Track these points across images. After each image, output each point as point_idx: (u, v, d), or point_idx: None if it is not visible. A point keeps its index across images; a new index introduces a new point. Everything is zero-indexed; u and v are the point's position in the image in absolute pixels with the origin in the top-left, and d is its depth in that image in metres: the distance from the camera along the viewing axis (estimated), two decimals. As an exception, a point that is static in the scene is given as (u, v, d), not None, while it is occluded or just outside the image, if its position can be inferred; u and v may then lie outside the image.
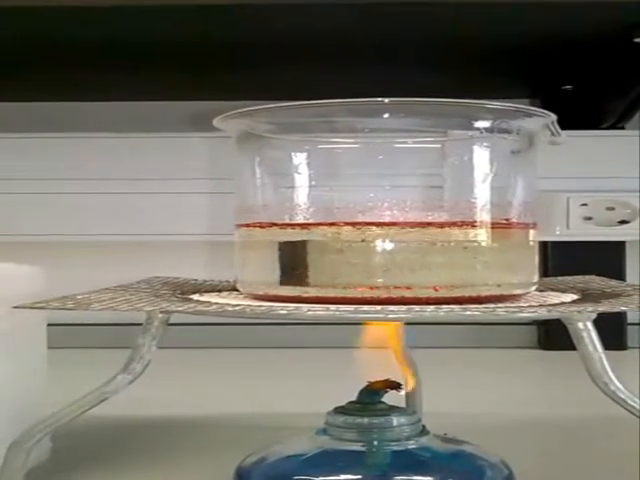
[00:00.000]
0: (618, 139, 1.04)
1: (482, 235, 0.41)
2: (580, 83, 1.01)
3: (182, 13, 0.75)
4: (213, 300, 0.43)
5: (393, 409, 0.43)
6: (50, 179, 1.04)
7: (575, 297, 0.45)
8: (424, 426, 0.43)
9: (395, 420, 0.42)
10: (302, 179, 0.43)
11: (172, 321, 0.40)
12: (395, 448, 0.42)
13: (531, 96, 1.08)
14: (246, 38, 0.83)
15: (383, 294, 0.40)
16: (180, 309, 0.39)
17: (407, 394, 0.53)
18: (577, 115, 0.97)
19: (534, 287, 0.44)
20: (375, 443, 0.42)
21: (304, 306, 0.39)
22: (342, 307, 0.38)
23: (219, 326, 1.04)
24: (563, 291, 0.48)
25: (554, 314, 0.39)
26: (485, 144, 0.42)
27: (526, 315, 0.43)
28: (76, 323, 1.04)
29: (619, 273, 1.03)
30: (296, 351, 1.02)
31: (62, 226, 1.04)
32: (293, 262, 0.42)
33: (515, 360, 1.01)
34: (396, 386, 0.43)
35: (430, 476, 0.42)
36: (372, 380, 0.43)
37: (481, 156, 0.42)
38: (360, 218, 0.41)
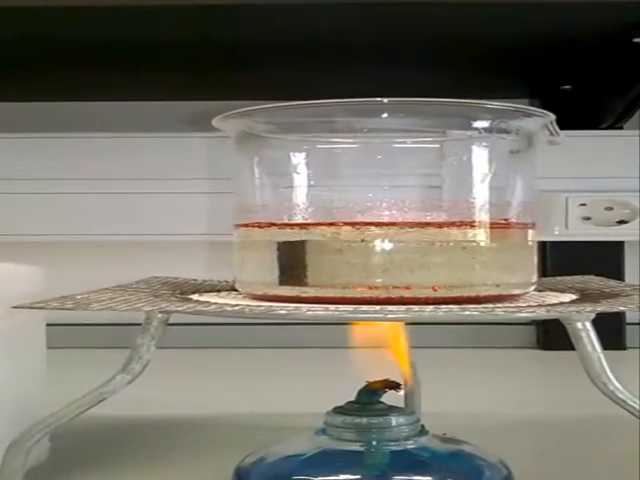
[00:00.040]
0: (617, 139, 1.04)
1: (481, 235, 0.41)
2: (579, 83, 1.01)
3: (182, 13, 0.75)
4: (212, 300, 0.43)
5: (392, 409, 0.43)
6: (50, 179, 1.04)
7: (574, 297, 0.45)
8: (423, 426, 0.43)
9: (394, 420, 0.42)
10: (301, 179, 0.43)
11: (171, 321, 0.40)
12: (394, 448, 0.42)
13: (530, 96, 1.08)
14: (246, 38, 0.83)
15: (382, 294, 0.40)
16: (179, 309, 0.39)
17: (406, 394, 0.53)
18: (576, 115, 0.97)
19: (533, 287, 0.44)
20: (374, 443, 0.42)
21: (303, 306, 0.39)
22: (341, 307, 0.39)
23: (218, 326, 1.04)
24: (562, 291, 0.48)
25: (553, 314, 0.39)
26: (484, 144, 0.42)
27: (525, 315, 0.43)
28: (75, 323, 1.04)
29: (618, 273, 1.03)
30: (295, 351, 1.02)
31: (62, 226, 1.04)
32: (292, 262, 0.42)
33: (514, 360, 1.01)
34: (395, 386, 0.43)
35: (429, 476, 0.42)
36: (371, 380, 0.43)
37: (480, 156, 0.42)
38: (359, 218, 0.41)
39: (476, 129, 0.42)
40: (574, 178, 1.02)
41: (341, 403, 0.43)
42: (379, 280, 0.40)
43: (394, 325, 0.45)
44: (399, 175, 0.43)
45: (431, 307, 0.39)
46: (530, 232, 0.44)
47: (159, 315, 0.39)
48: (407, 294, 0.40)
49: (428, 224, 0.41)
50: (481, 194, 0.42)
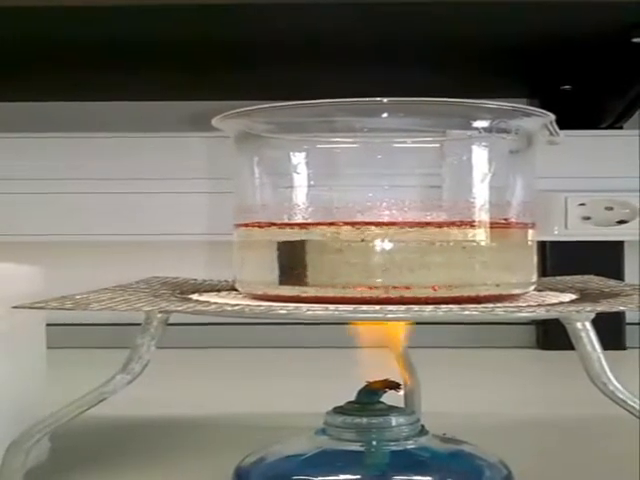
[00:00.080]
0: (616, 139, 1.04)
1: (481, 235, 0.41)
2: (579, 83, 1.01)
3: (182, 13, 0.75)
4: (212, 300, 0.43)
5: (392, 409, 0.43)
6: (50, 179, 1.04)
7: (574, 297, 0.45)
8: (423, 426, 0.43)
9: (394, 420, 0.42)
10: (301, 179, 0.43)
11: (171, 321, 0.40)
12: (394, 448, 0.42)
13: (530, 96, 1.08)
14: (246, 38, 0.83)
15: (382, 294, 0.40)
16: (179, 309, 0.39)
17: (406, 394, 0.53)
18: (576, 115, 0.97)
19: (533, 287, 0.44)
20: (374, 443, 0.42)
21: (303, 306, 0.39)
22: (341, 307, 0.39)
23: (218, 326, 1.04)
24: (562, 291, 0.48)
25: (552, 314, 0.39)
26: (484, 144, 0.42)
27: (525, 315, 0.43)
28: (75, 323, 1.04)
29: (617, 273, 1.03)
30: (295, 351, 1.02)
31: (62, 226, 1.04)
32: (292, 262, 0.42)
33: (514, 360, 1.01)
34: (395, 386, 0.43)
35: (429, 476, 0.42)
36: (371, 380, 0.43)
37: (480, 156, 0.42)
38: (359, 218, 0.41)
39: (476, 129, 0.42)
40: (574, 178, 1.02)
41: (341, 403, 0.43)
42: (379, 280, 0.40)
43: (394, 325, 0.45)
44: (399, 175, 0.43)
45: (431, 307, 0.39)
46: (530, 232, 0.44)
47: (159, 315, 0.39)
48: (407, 294, 0.40)
49: (428, 224, 0.41)
50: (481, 194, 0.42)
